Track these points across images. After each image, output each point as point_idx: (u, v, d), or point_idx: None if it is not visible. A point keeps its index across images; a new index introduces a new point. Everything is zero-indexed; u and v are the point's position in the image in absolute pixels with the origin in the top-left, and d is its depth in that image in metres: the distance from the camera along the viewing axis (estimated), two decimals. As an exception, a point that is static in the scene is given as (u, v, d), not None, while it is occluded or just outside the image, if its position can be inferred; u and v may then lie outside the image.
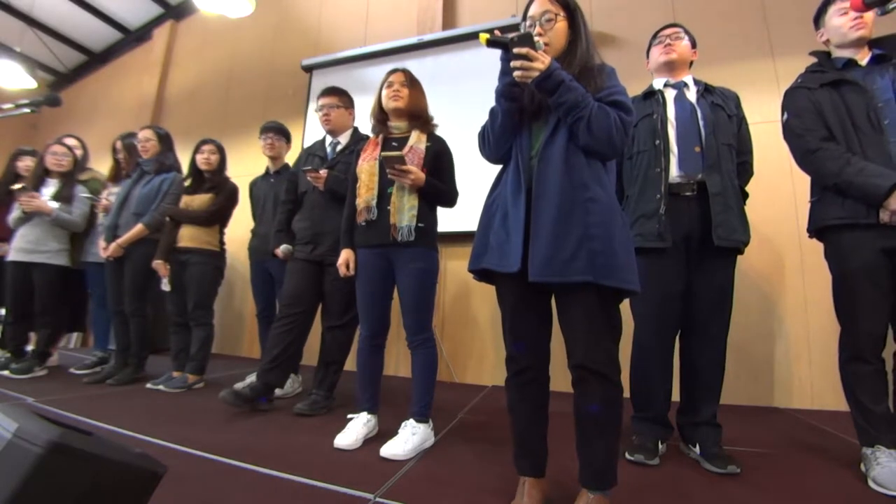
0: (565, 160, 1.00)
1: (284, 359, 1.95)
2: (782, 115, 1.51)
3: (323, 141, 2.19)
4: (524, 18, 1.14)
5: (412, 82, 1.68)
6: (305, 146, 2.71)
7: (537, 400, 1.09)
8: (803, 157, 1.44)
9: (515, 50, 0.97)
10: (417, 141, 1.61)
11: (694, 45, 1.62)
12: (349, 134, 2.15)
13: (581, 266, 0.94)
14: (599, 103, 1.00)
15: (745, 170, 1.58)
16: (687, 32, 1.61)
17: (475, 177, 2.21)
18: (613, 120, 0.99)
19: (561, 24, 1.09)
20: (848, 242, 1.36)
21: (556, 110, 1.02)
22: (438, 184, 1.61)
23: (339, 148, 2.12)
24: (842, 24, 1.41)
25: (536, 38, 0.99)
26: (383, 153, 1.52)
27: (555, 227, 0.96)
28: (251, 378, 2.09)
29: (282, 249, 2.17)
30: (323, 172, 1.95)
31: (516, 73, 0.99)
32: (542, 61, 0.97)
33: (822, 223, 1.42)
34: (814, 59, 1.51)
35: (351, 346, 2.12)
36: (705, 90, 1.56)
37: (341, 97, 2.12)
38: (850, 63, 1.41)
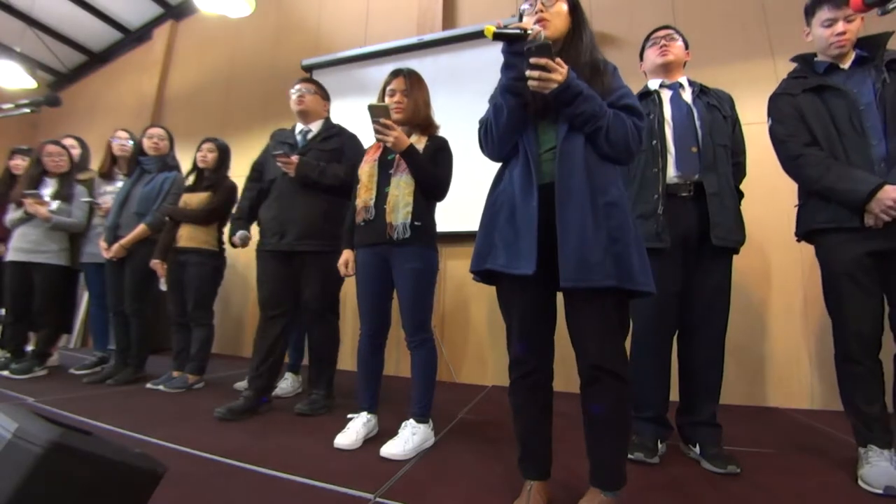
0: (585, 160, 0.98)
1: (269, 365, 1.92)
2: (768, 120, 1.52)
3: (293, 130, 2.11)
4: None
5: (413, 86, 1.66)
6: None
7: (543, 402, 1.08)
8: (786, 162, 1.46)
9: (533, 60, 0.94)
10: (416, 142, 1.61)
11: (686, 46, 1.62)
12: (321, 123, 2.10)
13: (607, 271, 0.93)
14: (614, 110, 0.99)
15: (738, 170, 1.59)
16: (679, 34, 1.62)
17: (476, 177, 2.20)
18: (629, 128, 0.99)
19: (562, 6, 1.08)
20: (832, 244, 1.37)
21: (573, 120, 0.99)
22: (423, 159, 1.56)
23: (310, 136, 2.06)
24: (825, 36, 1.40)
25: (546, 39, 0.95)
26: (370, 103, 1.48)
27: (583, 232, 0.94)
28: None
29: (239, 236, 2.08)
30: (294, 158, 1.90)
31: (532, 84, 0.96)
32: (561, 72, 0.95)
33: (809, 227, 1.43)
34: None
35: (339, 339, 2.10)
36: (701, 91, 1.56)
37: (319, 87, 2.11)
38: (832, 67, 1.42)
